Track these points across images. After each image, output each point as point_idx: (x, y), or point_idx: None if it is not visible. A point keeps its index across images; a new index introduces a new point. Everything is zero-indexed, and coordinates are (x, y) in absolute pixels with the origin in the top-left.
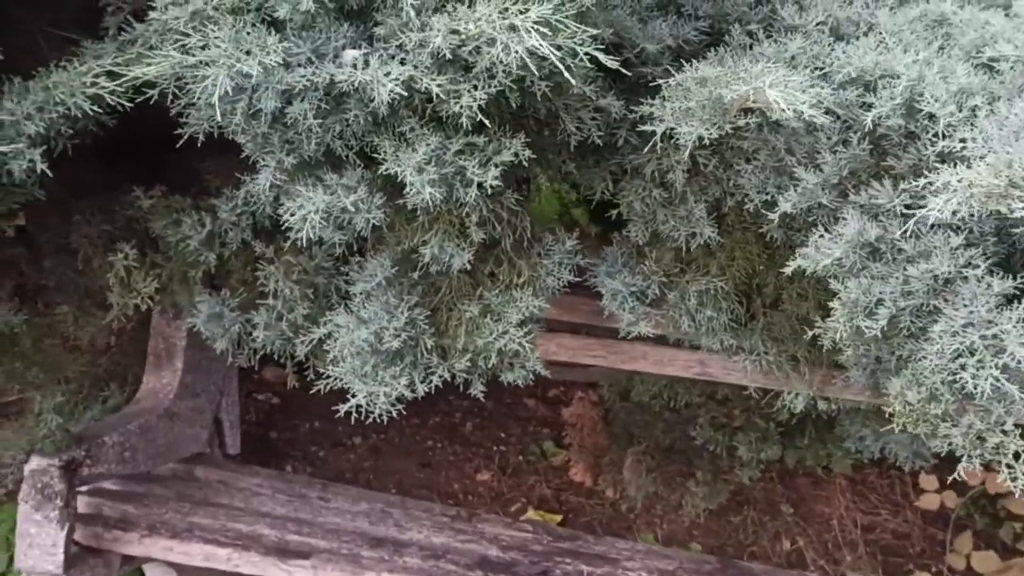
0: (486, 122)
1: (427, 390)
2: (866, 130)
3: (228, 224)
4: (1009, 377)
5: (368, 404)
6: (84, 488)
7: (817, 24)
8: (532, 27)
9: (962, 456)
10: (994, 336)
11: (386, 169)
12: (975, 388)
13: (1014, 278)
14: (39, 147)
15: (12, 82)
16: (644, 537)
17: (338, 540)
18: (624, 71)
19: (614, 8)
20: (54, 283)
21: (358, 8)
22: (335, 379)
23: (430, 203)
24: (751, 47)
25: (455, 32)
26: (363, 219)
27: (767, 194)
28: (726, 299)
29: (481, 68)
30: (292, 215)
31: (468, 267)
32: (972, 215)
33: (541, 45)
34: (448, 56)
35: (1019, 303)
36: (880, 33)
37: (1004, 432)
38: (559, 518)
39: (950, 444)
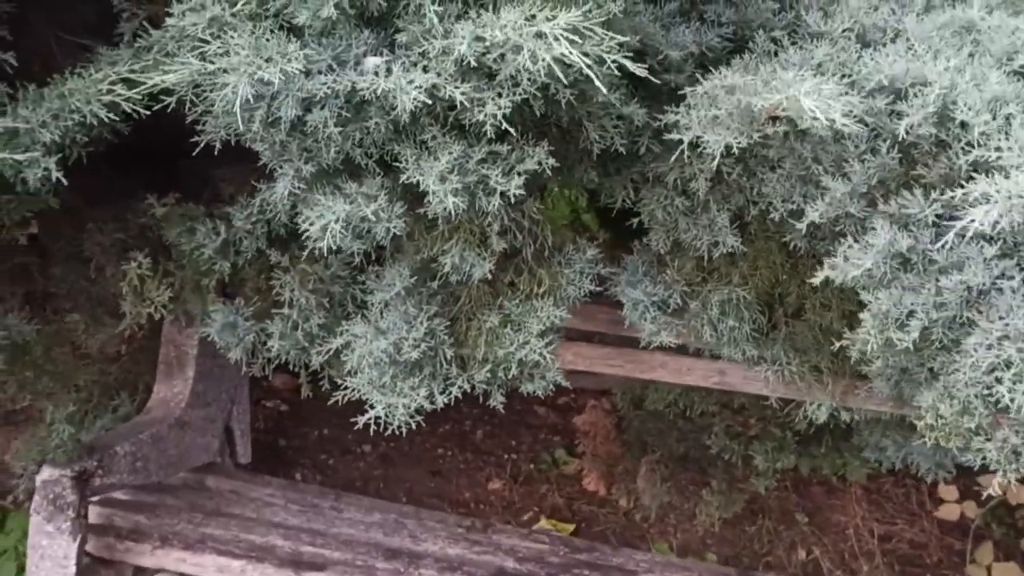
0: (511, 130)
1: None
2: (898, 139)
3: (243, 232)
4: None
5: (387, 416)
6: (95, 498)
7: (843, 31)
8: (561, 34)
9: (996, 471)
10: None
11: (408, 178)
12: (1011, 402)
13: None
14: (54, 155)
15: (26, 89)
16: (658, 547)
17: (352, 551)
18: (653, 79)
19: (636, 15)
20: (65, 291)
21: (379, 14)
22: (353, 390)
23: (452, 212)
24: (776, 54)
25: (479, 39)
26: (383, 228)
27: (793, 203)
28: (748, 309)
29: (505, 76)
30: (311, 224)
31: (488, 277)
32: (1011, 226)
33: (571, 53)
34: (472, 63)
35: None
36: (907, 39)
37: None
38: (572, 527)
39: (984, 459)
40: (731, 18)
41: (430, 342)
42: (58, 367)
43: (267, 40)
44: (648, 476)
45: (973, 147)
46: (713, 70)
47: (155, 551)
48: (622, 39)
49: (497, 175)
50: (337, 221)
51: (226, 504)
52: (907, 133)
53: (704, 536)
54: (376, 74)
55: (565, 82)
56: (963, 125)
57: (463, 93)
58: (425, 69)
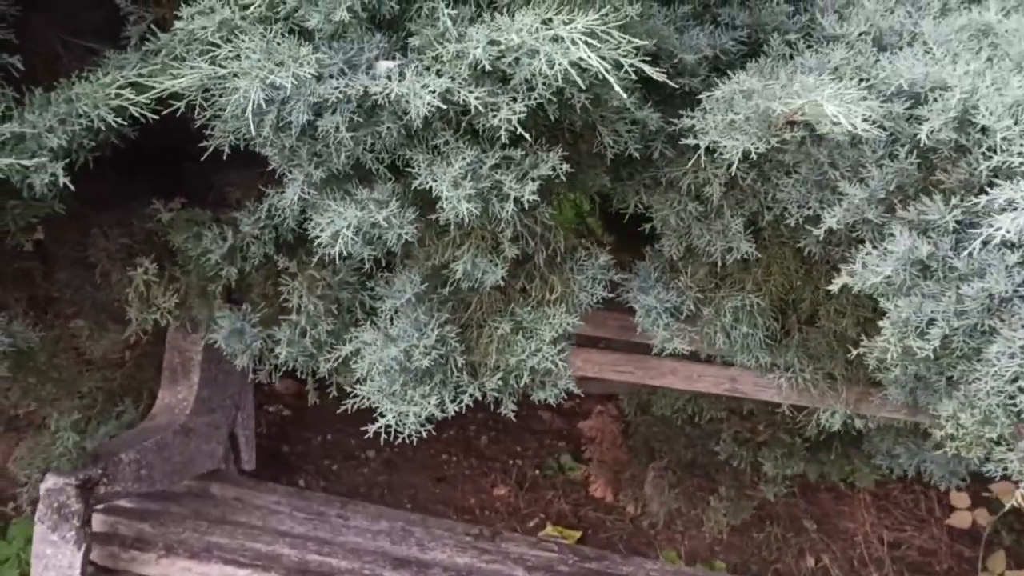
0: (526, 135)
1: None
2: (919, 144)
3: (250, 238)
4: None
5: (397, 424)
6: (99, 506)
7: (860, 34)
8: (579, 38)
9: (1018, 481)
10: None
11: (420, 184)
12: None
13: None
14: (61, 160)
15: (33, 93)
16: (666, 555)
17: (359, 560)
18: (671, 83)
19: (650, 18)
20: (68, 296)
21: (390, 17)
22: (362, 398)
23: (465, 218)
24: (791, 57)
25: (494, 43)
26: (395, 235)
27: (808, 209)
28: (762, 315)
29: (519, 80)
30: (322, 231)
31: (500, 283)
32: None
33: (590, 57)
34: (487, 68)
35: None
36: (924, 43)
37: None
38: (578, 534)
39: (1005, 468)
40: (745, 21)
41: (441, 349)
42: (62, 374)
43: (278, 44)
44: (656, 483)
45: (995, 152)
46: (727, 74)
47: (160, 560)
48: (640, 43)
49: (511, 181)
50: (349, 227)
51: (231, 512)
52: (928, 138)
53: (712, 543)
54: (389, 78)
55: (583, 86)
56: (984, 130)
57: (477, 98)
58: (439, 73)
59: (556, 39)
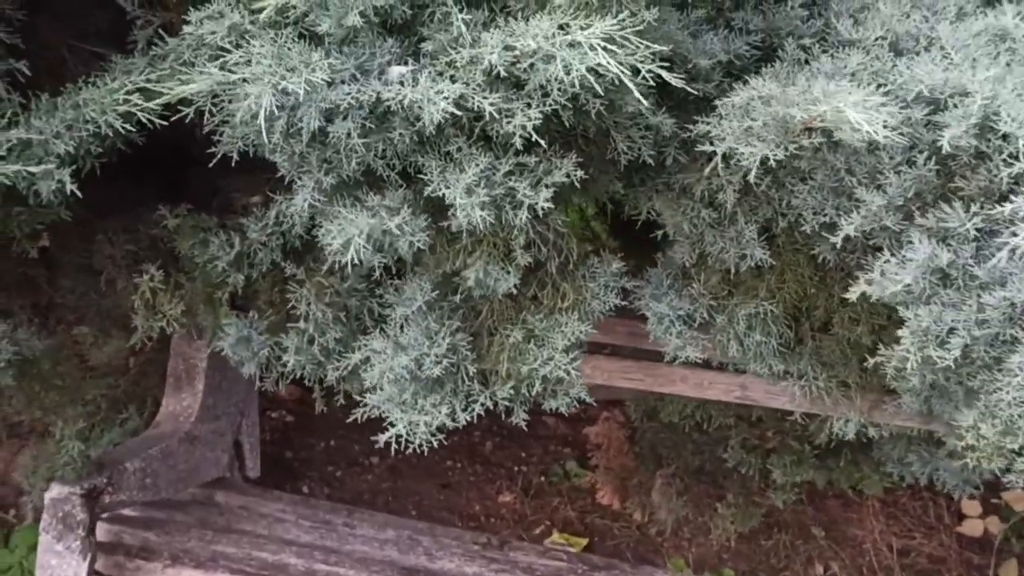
0: (541, 142)
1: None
2: (939, 150)
3: (257, 244)
4: None
5: (408, 434)
6: (104, 515)
7: (876, 39)
8: (598, 44)
9: None
10: None
11: (433, 191)
12: None
13: None
14: (68, 167)
15: (39, 99)
16: (674, 562)
17: (367, 570)
18: (690, 89)
19: (664, 22)
20: (72, 303)
21: (402, 22)
22: (372, 407)
23: (479, 226)
24: (806, 62)
25: (509, 48)
26: (407, 242)
27: (824, 216)
28: (775, 323)
29: (534, 86)
30: (332, 239)
31: (513, 291)
32: None
33: (609, 64)
34: (502, 73)
35: None
36: (941, 48)
37: None
38: (584, 541)
39: None
40: (759, 25)
41: (452, 358)
42: (65, 381)
43: (289, 49)
44: (663, 490)
45: (1016, 159)
46: (741, 78)
47: (166, 569)
48: (658, 48)
49: (525, 187)
50: (361, 235)
51: (236, 520)
52: (949, 145)
53: (719, 551)
54: (402, 84)
55: (600, 92)
56: (1005, 137)
57: (492, 104)
58: (452, 79)
59: (573, 45)
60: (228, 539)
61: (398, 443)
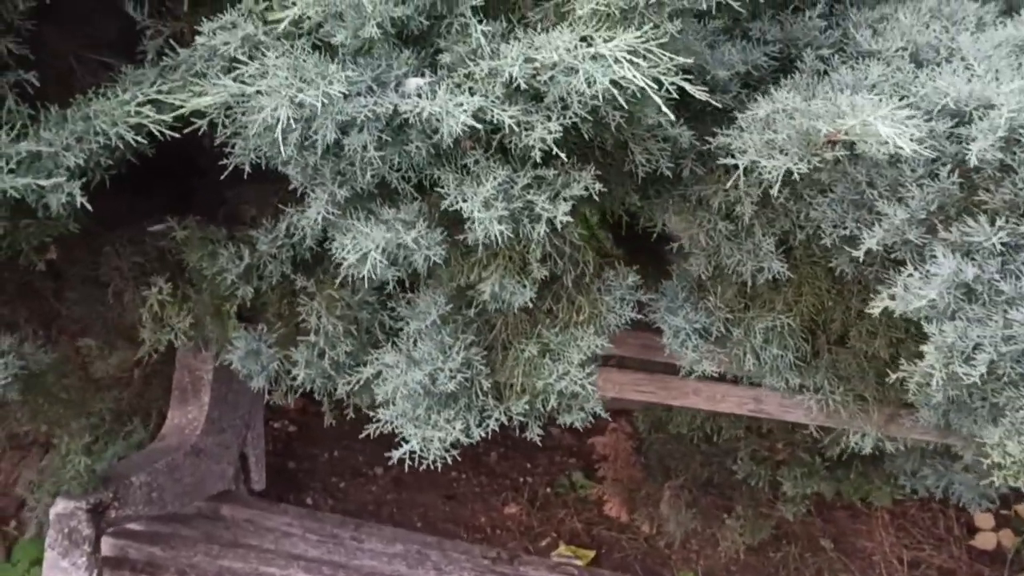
0: (561, 155)
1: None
2: (967, 163)
3: (267, 256)
4: None
5: (422, 450)
6: (109, 530)
7: (897, 50)
8: (623, 56)
9: None
10: None
11: (450, 204)
12: None
13: None
14: (78, 179)
15: (48, 110)
16: (683, 575)
17: None
18: (714, 102)
19: (683, 33)
20: (78, 315)
21: (418, 33)
22: (385, 422)
23: (497, 240)
24: (825, 73)
25: (529, 60)
26: (422, 256)
27: (845, 228)
28: (792, 336)
29: (554, 98)
30: (348, 253)
31: (529, 305)
32: None
33: (635, 77)
34: (521, 86)
35: None
36: (963, 59)
37: None
38: (592, 554)
39: None
40: (776, 36)
41: (466, 373)
42: (71, 394)
43: (304, 61)
44: (672, 502)
45: None
46: (758, 89)
47: None
48: (682, 60)
49: (543, 201)
50: (377, 249)
51: (243, 535)
52: (977, 159)
53: (728, 563)
54: (419, 96)
55: (624, 106)
56: None
57: (511, 116)
58: (471, 91)
59: (596, 57)
60: (235, 554)
61: (411, 459)
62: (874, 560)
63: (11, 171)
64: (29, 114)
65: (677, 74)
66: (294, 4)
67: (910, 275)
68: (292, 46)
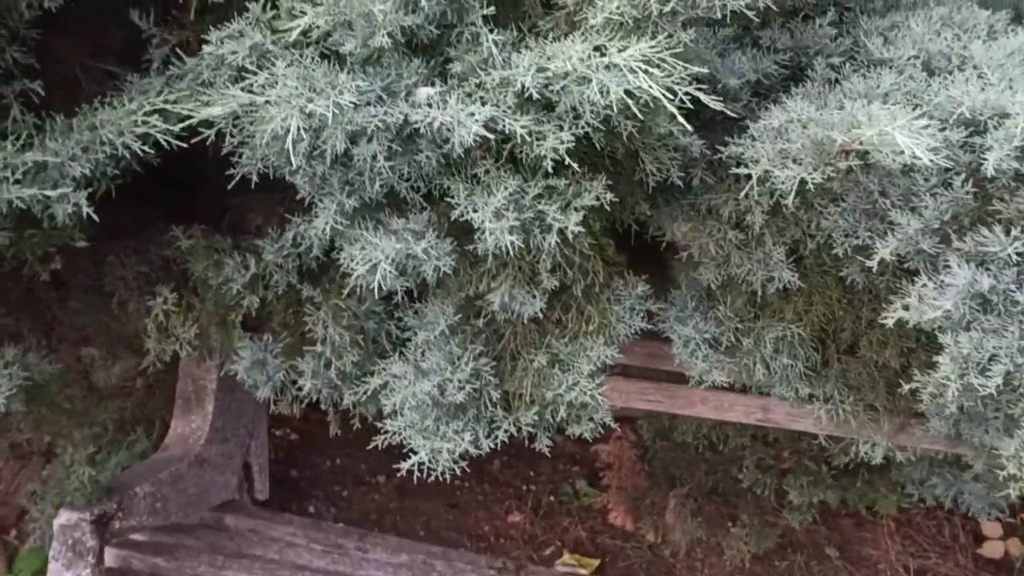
0: (574, 165)
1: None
2: (978, 172)
3: (273, 266)
4: None
5: (430, 461)
6: (113, 541)
7: (909, 58)
8: (638, 66)
9: None
10: None
11: (460, 215)
12: None
13: None
14: (84, 189)
15: (54, 120)
16: None
17: None
18: (728, 112)
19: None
20: (80, 324)
21: (428, 42)
22: (393, 433)
23: (509, 250)
24: (837, 82)
25: (542, 70)
26: (432, 266)
27: (857, 238)
28: (802, 346)
29: (566, 108)
30: (357, 263)
31: (540, 316)
32: None
33: (651, 87)
34: (534, 96)
35: None
36: (975, 67)
37: None
38: (596, 563)
39: None
40: (786, 44)
41: (475, 383)
42: (74, 404)
43: (313, 71)
44: (677, 510)
45: None
46: (768, 97)
47: None
48: (697, 70)
49: (555, 211)
50: (387, 260)
51: (247, 545)
52: (994, 169)
53: (733, 572)
54: (430, 105)
55: (639, 115)
56: None
57: (523, 126)
58: (483, 101)
59: (610, 67)
60: (239, 564)
61: (420, 471)
62: (880, 568)
63: (17, 182)
64: (35, 124)
65: (690, 83)
66: (304, 14)
67: (924, 285)
68: (300, 55)
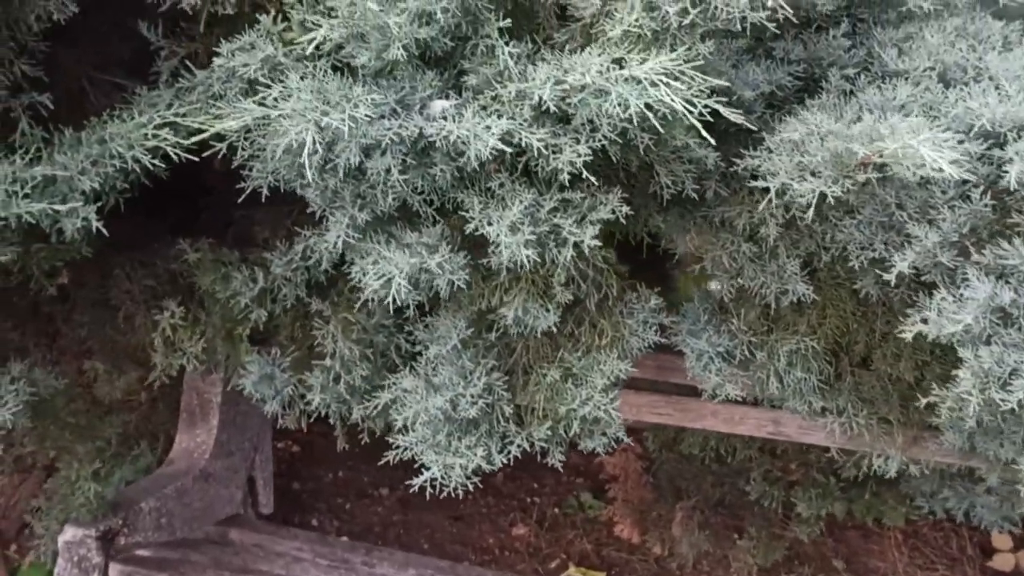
0: (591, 178)
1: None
2: (996, 185)
3: (281, 279)
4: None
5: (443, 477)
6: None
7: (925, 70)
8: (659, 79)
9: None
10: None
11: (474, 228)
12: None
13: None
14: (93, 203)
15: (63, 133)
16: None
17: None
18: (749, 125)
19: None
20: (84, 337)
21: (442, 54)
22: (405, 449)
23: (526, 264)
24: (851, 93)
25: (559, 83)
26: (446, 280)
27: (873, 251)
28: (816, 359)
29: (582, 120)
30: (371, 278)
31: (554, 330)
32: None
33: (673, 100)
34: (551, 108)
35: None
36: (991, 79)
37: None
38: (602, 575)
39: None
40: (800, 55)
41: (488, 398)
42: (79, 419)
43: (327, 84)
44: (684, 523)
45: None
46: (781, 109)
47: None
48: (717, 82)
49: (570, 224)
50: (402, 274)
51: (252, 560)
52: (1017, 182)
53: None
54: (445, 119)
55: (658, 128)
56: None
57: (540, 140)
58: (498, 114)
59: (629, 80)
60: None
61: (432, 486)
62: None
63: (26, 196)
64: (43, 137)
65: (709, 96)
66: (318, 26)
67: (943, 299)
68: (313, 68)
